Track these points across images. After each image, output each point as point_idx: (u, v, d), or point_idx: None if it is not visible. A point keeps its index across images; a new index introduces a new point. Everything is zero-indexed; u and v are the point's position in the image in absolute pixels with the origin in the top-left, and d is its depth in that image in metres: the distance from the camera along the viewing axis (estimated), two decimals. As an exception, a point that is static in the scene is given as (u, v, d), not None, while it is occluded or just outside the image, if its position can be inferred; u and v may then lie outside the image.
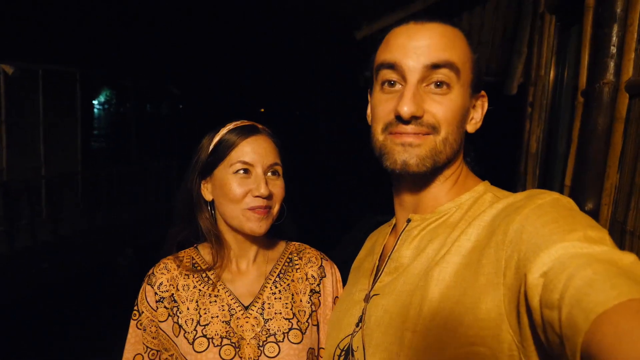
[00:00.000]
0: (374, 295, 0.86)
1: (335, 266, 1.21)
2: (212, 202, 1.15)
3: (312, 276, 1.17)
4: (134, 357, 1.12)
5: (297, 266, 1.19)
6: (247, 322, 1.08)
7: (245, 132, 1.11)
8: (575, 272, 0.53)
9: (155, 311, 1.09)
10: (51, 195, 6.97)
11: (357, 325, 0.87)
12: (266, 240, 1.18)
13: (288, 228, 1.23)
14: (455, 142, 0.80)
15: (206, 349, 1.03)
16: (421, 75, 0.77)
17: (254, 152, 1.10)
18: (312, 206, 7.67)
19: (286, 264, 1.19)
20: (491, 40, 4.07)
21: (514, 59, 3.37)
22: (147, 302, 1.10)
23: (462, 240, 0.76)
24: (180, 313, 1.08)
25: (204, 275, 1.12)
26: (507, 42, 3.92)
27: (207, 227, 1.13)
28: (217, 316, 1.08)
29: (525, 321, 0.62)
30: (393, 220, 0.97)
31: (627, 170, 1.23)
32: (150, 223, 7.80)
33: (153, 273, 1.12)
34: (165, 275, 1.11)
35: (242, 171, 1.09)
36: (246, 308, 1.09)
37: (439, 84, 0.78)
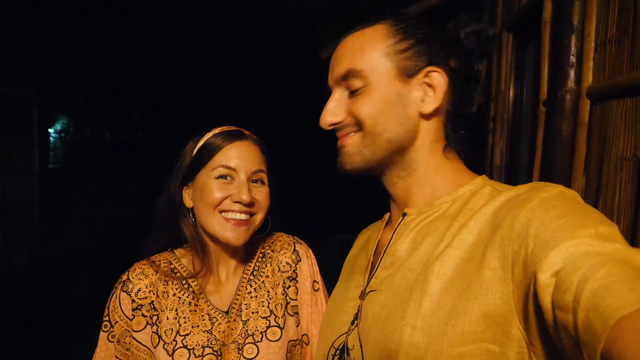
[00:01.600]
0: (370, 291, 0.83)
1: (310, 249, 1.18)
2: (192, 209, 1.10)
3: (287, 263, 1.14)
4: None
5: (270, 259, 1.14)
6: (228, 326, 1.04)
7: (230, 137, 1.08)
8: (589, 273, 0.52)
9: (131, 320, 1.02)
10: (4, 223, 6.61)
11: (353, 323, 0.84)
12: (247, 248, 1.14)
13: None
14: (386, 130, 0.83)
15: None
16: (338, 85, 0.87)
17: (238, 157, 1.06)
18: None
19: (259, 260, 1.15)
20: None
21: (474, 78, 3.50)
22: (122, 310, 1.02)
23: (463, 234, 0.74)
24: (160, 322, 1.01)
25: (183, 282, 1.06)
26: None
27: (191, 234, 1.09)
28: (198, 326, 1.02)
29: (534, 319, 0.61)
30: (386, 216, 0.96)
31: (592, 172, 1.28)
32: (110, 250, 7.52)
33: (129, 279, 1.04)
34: (144, 280, 1.04)
35: (224, 177, 1.05)
36: (226, 313, 1.05)
37: (353, 92, 0.85)
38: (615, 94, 1.13)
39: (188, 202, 1.10)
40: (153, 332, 1.01)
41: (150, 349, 1.01)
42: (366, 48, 0.85)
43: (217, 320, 1.04)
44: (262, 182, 1.09)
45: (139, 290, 1.03)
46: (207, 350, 1.00)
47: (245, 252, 1.15)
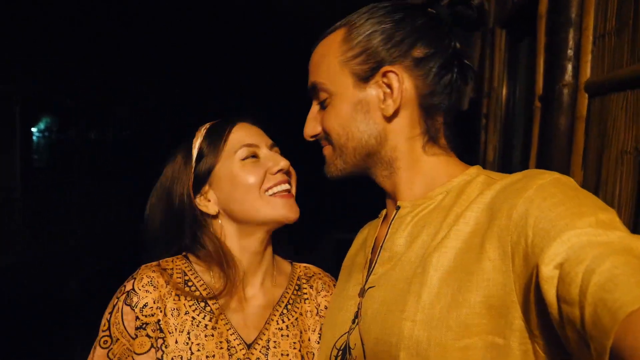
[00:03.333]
0: (369, 288, 0.82)
1: None
2: (218, 214, 0.96)
3: (326, 307, 0.99)
4: None
5: (307, 296, 1.00)
6: None
7: (231, 121, 0.99)
8: (594, 265, 0.50)
9: (134, 339, 0.85)
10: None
11: (354, 321, 0.82)
12: (274, 258, 1.02)
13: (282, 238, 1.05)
14: (351, 139, 0.84)
15: None
16: (313, 98, 0.89)
17: (251, 134, 0.97)
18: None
19: (295, 292, 1.00)
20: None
21: (465, 75, 3.50)
22: (124, 327, 0.86)
23: (460, 224, 0.73)
24: (166, 347, 0.85)
25: (200, 300, 0.90)
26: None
27: (215, 248, 0.93)
28: (214, 356, 0.85)
29: (535, 310, 0.60)
30: (383, 213, 0.94)
31: (591, 166, 1.27)
32: (96, 253, 7.40)
33: (134, 290, 0.87)
34: (151, 294, 0.87)
35: (250, 156, 0.95)
36: (249, 346, 0.89)
37: (322, 103, 0.87)
38: (615, 86, 1.12)
39: (212, 209, 0.96)
40: (158, 358, 0.85)
41: None
42: (324, 59, 0.85)
43: (237, 352, 0.88)
44: (280, 153, 1.01)
45: (145, 305, 0.86)
46: None
47: (273, 263, 1.01)
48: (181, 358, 0.84)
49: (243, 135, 0.97)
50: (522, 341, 0.63)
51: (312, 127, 0.89)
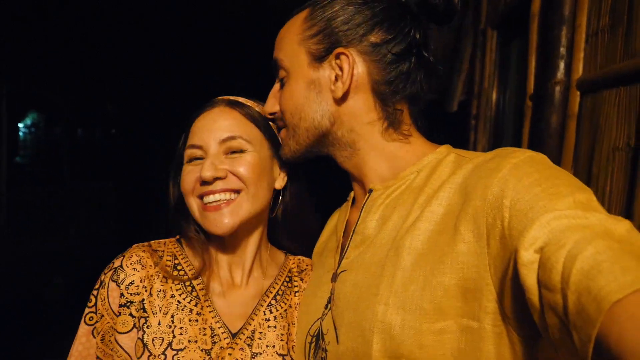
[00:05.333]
0: (341, 272, 0.80)
1: None
2: None
3: None
4: None
5: (297, 289, 0.96)
6: (230, 353, 0.85)
7: (198, 110, 0.92)
8: (575, 251, 0.49)
9: (117, 317, 0.83)
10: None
11: (326, 307, 0.81)
12: (266, 249, 0.98)
13: (291, 227, 1.00)
14: (304, 119, 0.83)
15: None
16: (275, 75, 0.89)
17: (203, 129, 0.89)
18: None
19: (285, 283, 0.97)
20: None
21: (454, 77, 3.51)
22: (109, 303, 0.84)
23: (433, 206, 0.71)
24: (147, 327, 0.83)
25: (187, 283, 0.88)
26: (448, 60, 4.11)
27: (187, 229, 0.93)
28: (196, 341, 0.83)
29: (511, 293, 0.59)
30: (351, 195, 0.92)
31: (582, 164, 1.27)
32: (83, 250, 7.29)
33: (121, 266, 0.86)
34: (139, 272, 0.85)
35: (194, 159, 0.89)
36: (234, 336, 0.86)
37: (281, 81, 0.87)
38: (608, 83, 1.12)
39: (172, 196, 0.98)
40: (139, 338, 0.82)
41: (131, 358, 0.83)
42: (285, 38, 0.85)
43: (220, 341, 0.85)
44: (242, 151, 0.89)
45: (131, 283, 0.84)
46: None
47: (263, 251, 0.98)
48: (162, 340, 0.82)
49: (194, 133, 0.90)
50: (496, 324, 0.63)
51: (271, 105, 0.90)
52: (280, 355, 0.87)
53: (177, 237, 0.97)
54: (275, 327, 0.90)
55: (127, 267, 0.85)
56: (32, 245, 6.98)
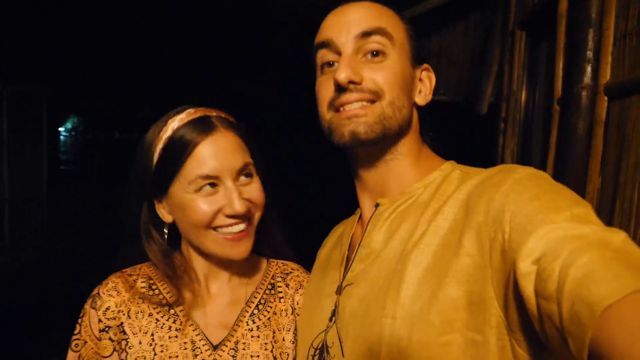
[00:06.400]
0: (346, 285, 0.80)
1: None
2: (174, 223, 0.92)
3: None
4: None
5: (281, 294, 0.96)
6: None
7: (199, 131, 0.85)
8: (570, 260, 0.50)
9: (99, 342, 0.86)
10: (14, 219, 6.65)
11: (331, 319, 0.81)
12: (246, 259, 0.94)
13: (270, 238, 0.99)
14: (404, 107, 0.80)
15: None
16: (355, 45, 0.79)
17: (215, 157, 0.84)
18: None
19: (267, 291, 0.96)
20: (461, 61, 4.16)
21: (484, 79, 3.43)
22: (91, 329, 0.87)
23: (438, 220, 0.72)
24: (129, 348, 0.85)
25: (164, 302, 0.89)
26: (476, 62, 4.02)
27: (159, 260, 0.91)
28: (177, 356, 0.85)
29: (514, 306, 0.59)
30: (358, 211, 0.92)
31: (609, 172, 1.22)
32: (117, 248, 7.52)
33: (98, 294, 0.89)
34: (114, 298, 0.88)
35: (207, 186, 0.84)
36: (215, 347, 0.87)
37: (375, 53, 0.79)
38: (636, 88, 1.07)
39: (166, 217, 0.91)
40: (121, 359, 0.85)
41: None
42: (395, 19, 0.84)
43: (202, 353, 0.86)
44: (250, 175, 0.88)
45: (107, 309, 0.87)
46: None
47: (242, 264, 0.96)
48: (144, 358, 0.84)
49: (204, 161, 0.84)
50: (500, 337, 0.63)
51: (355, 72, 0.77)
52: None
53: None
54: (258, 337, 0.90)
55: (104, 294, 0.89)
56: (69, 243, 7.26)
